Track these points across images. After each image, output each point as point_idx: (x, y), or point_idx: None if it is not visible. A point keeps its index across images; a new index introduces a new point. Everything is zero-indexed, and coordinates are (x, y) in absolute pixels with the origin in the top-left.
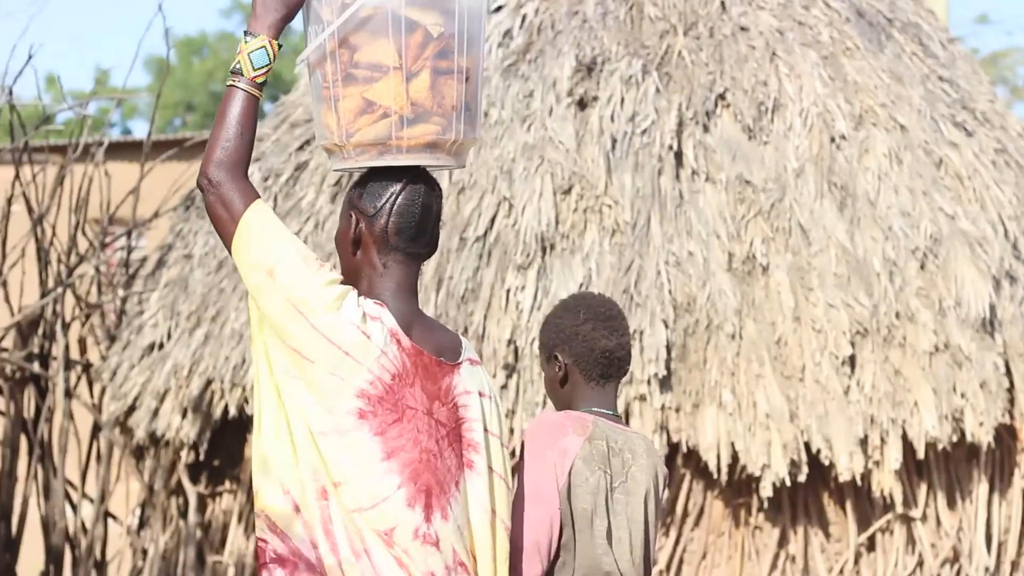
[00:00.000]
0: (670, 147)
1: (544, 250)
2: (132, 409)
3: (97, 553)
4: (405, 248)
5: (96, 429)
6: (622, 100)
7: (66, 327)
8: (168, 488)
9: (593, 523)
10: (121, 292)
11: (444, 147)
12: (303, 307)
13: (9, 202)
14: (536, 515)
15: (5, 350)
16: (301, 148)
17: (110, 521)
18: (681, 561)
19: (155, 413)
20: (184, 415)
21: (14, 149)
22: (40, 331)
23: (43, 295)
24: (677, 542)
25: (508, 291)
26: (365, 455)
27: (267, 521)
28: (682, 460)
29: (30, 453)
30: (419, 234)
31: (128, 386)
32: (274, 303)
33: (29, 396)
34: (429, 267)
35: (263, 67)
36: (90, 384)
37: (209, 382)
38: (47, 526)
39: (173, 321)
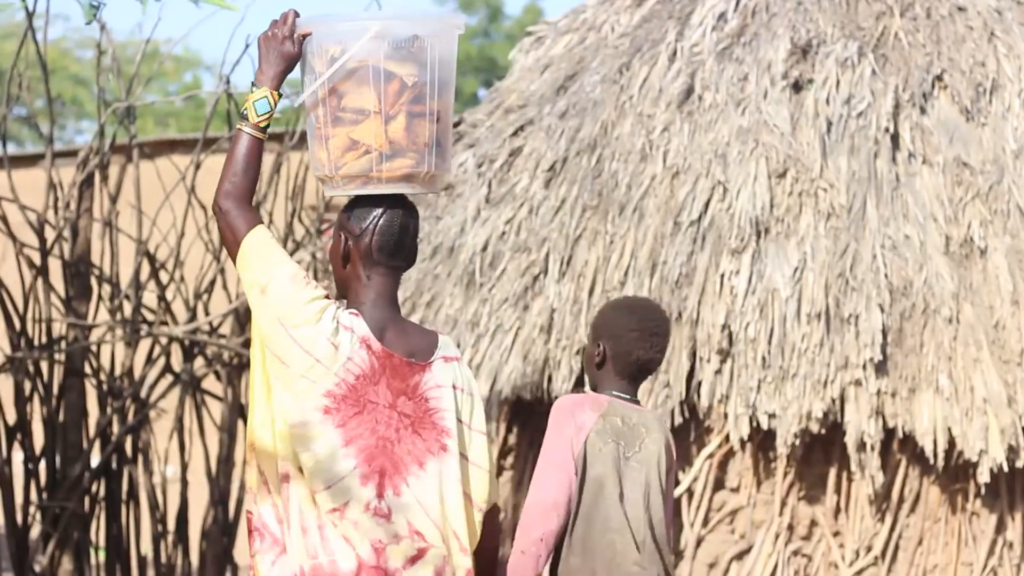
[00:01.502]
0: (886, 129)
1: (759, 234)
2: None
3: None
4: (386, 262)
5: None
6: (837, 82)
7: None
8: None
9: (605, 487)
10: None
11: (418, 178)
12: (285, 321)
13: None
14: (554, 478)
15: (223, 336)
16: (515, 134)
17: None
18: (897, 547)
19: None
20: None
21: (231, 137)
22: None
23: None
24: (893, 528)
25: (722, 276)
26: (327, 443)
27: (251, 496)
28: (898, 445)
29: (246, 438)
30: (398, 250)
31: None
32: (263, 315)
33: (246, 381)
34: (643, 251)
35: (265, 114)
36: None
37: None
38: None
39: None
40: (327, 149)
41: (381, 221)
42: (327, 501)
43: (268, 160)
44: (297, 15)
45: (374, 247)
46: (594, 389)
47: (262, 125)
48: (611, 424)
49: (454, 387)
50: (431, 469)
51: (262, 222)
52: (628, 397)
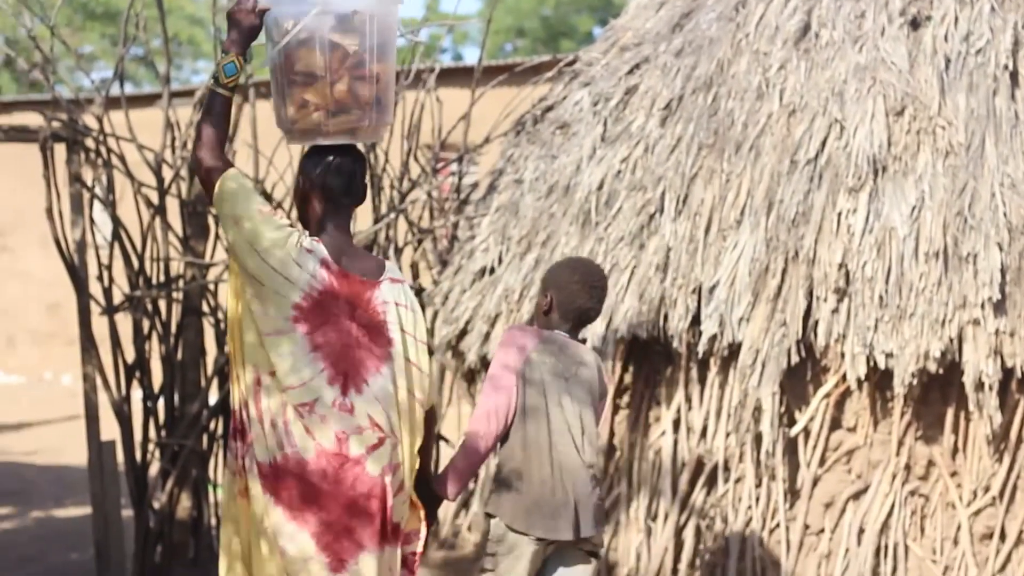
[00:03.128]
0: (1005, 67)
1: (876, 172)
2: (464, 333)
3: None
4: (338, 200)
5: (429, 353)
6: (956, 19)
7: (399, 252)
8: None
9: (547, 392)
10: (452, 217)
11: (361, 130)
12: (257, 245)
13: None
14: (494, 391)
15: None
16: (631, 72)
17: (442, 444)
18: (1015, 488)
19: (486, 337)
20: None
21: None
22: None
23: (376, 221)
24: (1011, 468)
25: (839, 214)
26: (297, 348)
27: (233, 400)
28: (1016, 385)
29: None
30: (347, 190)
31: (460, 310)
32: (239, 244)
33: None
34: (759, 191)
35: (232, 75)
36: (422, 308)
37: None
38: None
39: (504, 246)
40: (285, 107)
41: (332, 166)
42: (297, 397)
43: None
44: None
45: (327, 188)
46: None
47: (230, 85)
48: (550, 348)
49: (397, 304)
50: (385, 371)
51: (233, 166)
52: (568, 334)
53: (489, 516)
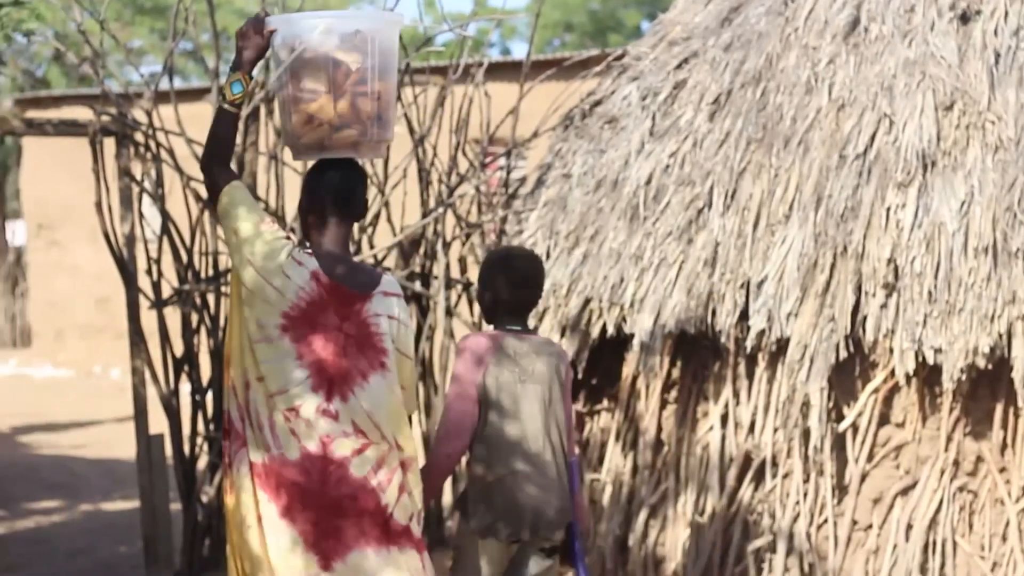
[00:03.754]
0: None
1: (925, 167)
2: None
3: None
4: (338, 214)
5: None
6: (1006, 14)
7: (447, 246)
8: None
9: (504, 408)
10: (501, 212)
11: (363, 145)
12: (251, 256)
13: None
14: (459, 407)
15: (388, 269)
16: (679, 66)
17: None
18: None
19: (534, 332)
20: (563, 333)
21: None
22: (421, 250)
23: (424, 215)
24: None
25: (888, 209)
26: (284, 356)
27: (225, 400)
28: None
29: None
30: (348, 205)
31: None
32: (235, 251)
33: (411, 315)
34: (808, 185)
35: (238, 93)
36: (470, 302)
37: (587, 301)
38: (429, 443)
39: (552, 240)
40: (291, 123)
41: (333, 182)
42: (283, 402)
43: (432, 94)
44: (268, 14)
45: (328, 203)
46: (490, 323)
47: (237, 102)
48: (506, 357)
49: (389, 317)
50: (373, 381)
51: (238, 178)
52: (519, 328)
53: (456, 516)
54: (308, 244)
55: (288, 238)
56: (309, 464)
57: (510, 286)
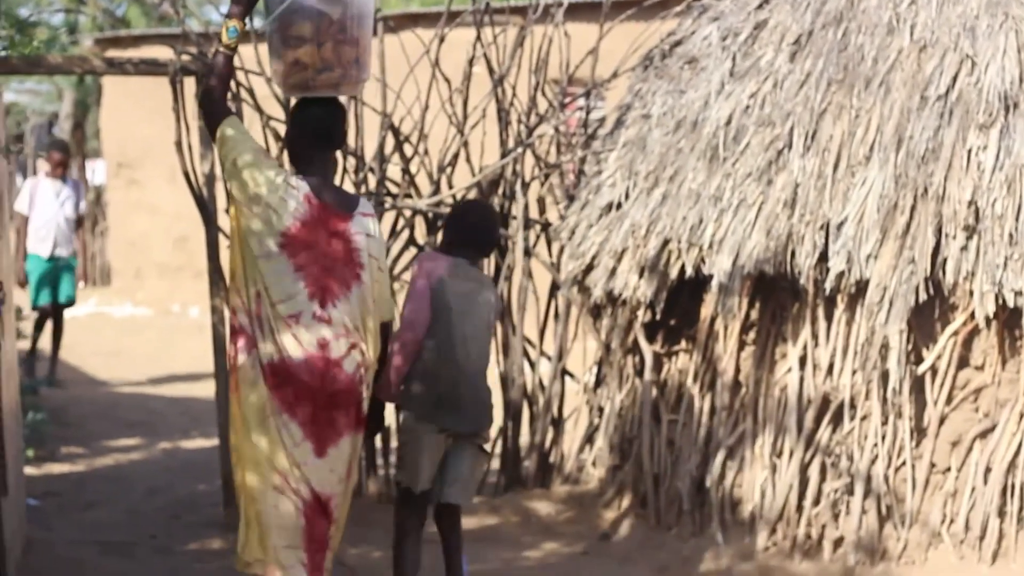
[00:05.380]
0: None
1: (1007, 109)
2: (590, 268)
3: (554, 410)
4: (320, 144)
5: (554, 288)
6: None
7: (526, 187)
8: (624, 347)
9: (453, 310)
10: (580, 152)
11: (343, 85)
12: (251, 181)
13: (471, 63)
14: (414, 305)
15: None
16: (760, 7)
17: (567, 379)
18: None
19: (612, 272)
20: (641, 274)
21: (475, 11)
22: (500, 191)
23: (503, 155)
24: None
25: (969, 151)
26: (283, 270)
27: (232, 308)
28: None
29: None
30: (329, 137)
31: (586, 245)
32: (235, 179)
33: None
34: (889, 127)
35: (233, 37)
36: (549, 243)
37: (666, 242)
38: (506, 383)
39: (631, 181)
40: (280, 65)
41: (316, 116)
42: (285, 310)
43: (511, 33)
44: None
45: (311, 134)
46: (448, 254)
47: (232, 46)
48: (456, 273)
49: (367, 235)
50: (354, 292)
51: (233, 113)
52: (468, 262)
53: (400, 410)
54: (295, 171)
55: (281, 166)
56: (311, 364)
57: (469, 234)
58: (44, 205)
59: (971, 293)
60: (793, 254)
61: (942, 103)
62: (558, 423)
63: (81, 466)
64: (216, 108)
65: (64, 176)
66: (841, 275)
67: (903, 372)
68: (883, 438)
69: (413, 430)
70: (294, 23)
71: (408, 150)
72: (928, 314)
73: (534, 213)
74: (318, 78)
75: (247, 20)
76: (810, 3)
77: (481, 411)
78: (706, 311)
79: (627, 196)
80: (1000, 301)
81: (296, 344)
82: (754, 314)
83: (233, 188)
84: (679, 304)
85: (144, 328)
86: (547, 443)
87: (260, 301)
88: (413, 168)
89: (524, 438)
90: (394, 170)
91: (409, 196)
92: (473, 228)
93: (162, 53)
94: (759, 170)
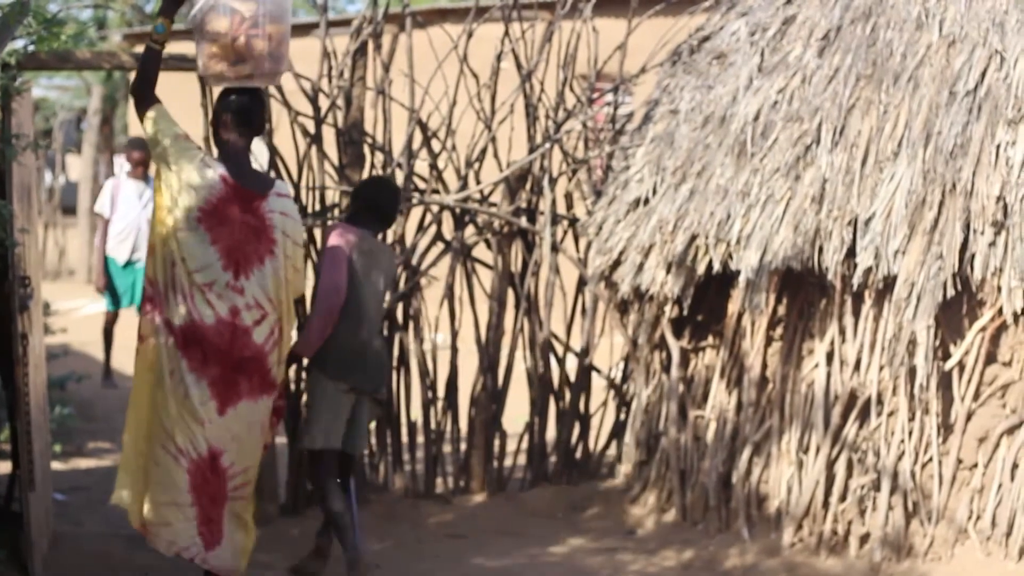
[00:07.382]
0: None
1: None
2: (617, 263)
3: (581, 405)
4: (240, 130)
5: (581, 283)
6: None
7: (553, 182)
8: (651, 342)
9: (362, 281)
10: (607, 147)
11: (256, 76)
12: (173, 164)
13: (498, 59)
14: (335, 273)
15: (494, 205)
16: (789, 2)
17: (594, 374)
18: None
19: (639, 268)
20: (668, 270)
21: (504, 6)
22: (528, 186)
23: (531, 150)
24: None
25: (998, 146)
26: (200, 242)
27: (150, 277)
28: None
29: (516, 306)
30: (247, 123)
31: (613, 241)
32: (160, 159)
33: (516, 250)
34: (917, 122)
35: (161, 34)
36: (576, 238)
37: (694, 237)
38: (532, 378)
39: (659, 176)
40: (200, 59)
41: (235, 104)
42: (200, 278)
43: (540, 29)
44: None
45: (231, 120)
46: (354, 225)
47: (160, 41)
48: (364, 243)
49: (282, 213)
50: (267, 265)
51: (159, 102)
52: (372, 232)
53: (310, 370)
54: (218, 153)
55: (199, 148)
56: (221, 328)
57: (373, 206)
58: (126, 207)
59: (999, 289)
60: (820, 250)
61: (970, 99)
62: (585, 418)
63: (108, 461)
64: (144, 95)
65: (146, 175)
66: (869, 271)
67: (930, 368)
68: (910, 434)
69: (325, 389)
70: (211, 20)
71: (436, 145)
72: (956, 310)
73: (561, 209)
74: (232, 70)
75: (173, 19)
76: None
77: (380, 370)
78: (733, 307)
79: (655, 192)
80: None
81: (209, 310)
82: (781, 310)
83: (159, 167)
84: (706, 300)
85: None
86: (573, 439)
87: (175, 269)
88: (441, 163)
89: (550, 433)
90: (422, 165)
91: (436, 191)
92: (378, 202)
93: (190, 49)
94: (787, 165)
